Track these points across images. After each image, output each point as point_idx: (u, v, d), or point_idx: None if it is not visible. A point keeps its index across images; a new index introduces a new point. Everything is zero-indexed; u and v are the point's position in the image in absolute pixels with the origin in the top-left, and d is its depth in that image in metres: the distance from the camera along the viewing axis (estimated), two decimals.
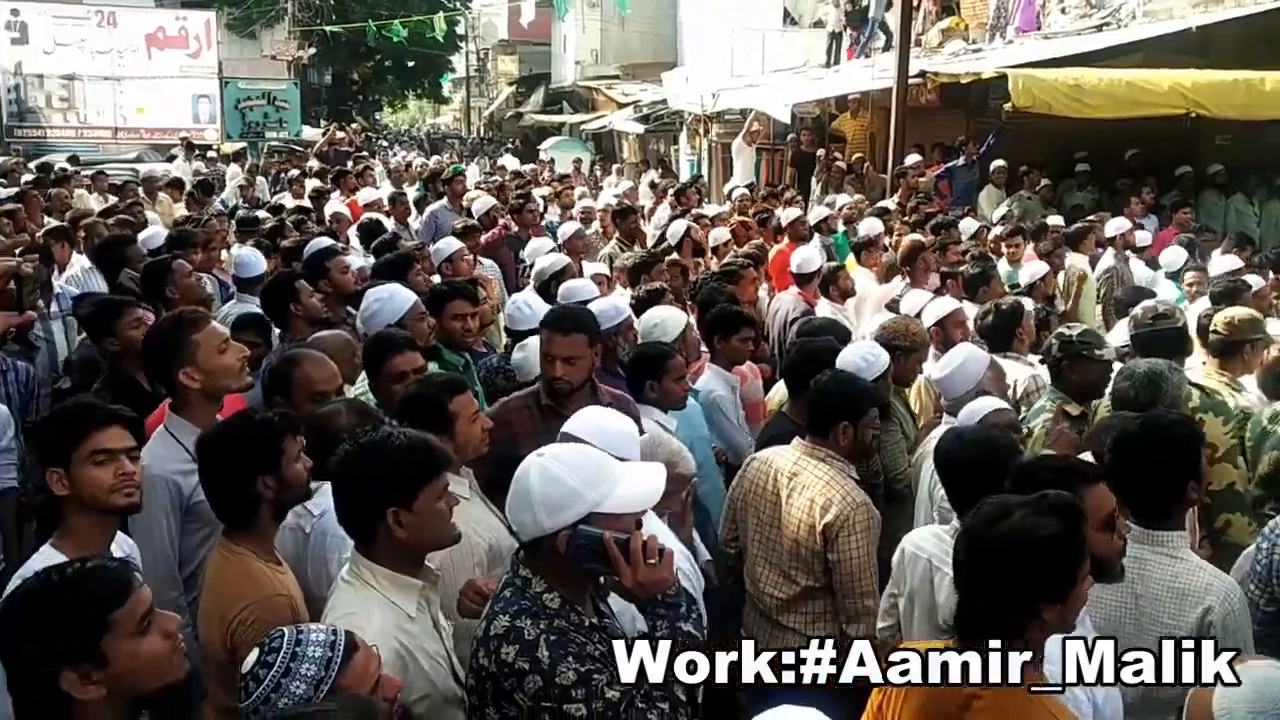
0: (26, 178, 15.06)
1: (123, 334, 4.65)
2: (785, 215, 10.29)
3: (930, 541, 3.54)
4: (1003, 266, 8.35)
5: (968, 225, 9.36)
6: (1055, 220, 10.11)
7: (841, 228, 10.55)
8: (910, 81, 13.32)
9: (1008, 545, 2.30)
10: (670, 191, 13.25)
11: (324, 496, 3.26)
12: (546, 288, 6.65)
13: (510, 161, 22.73)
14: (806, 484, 3.95)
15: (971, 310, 6.41)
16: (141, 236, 7.68)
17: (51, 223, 10.09)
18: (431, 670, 2.75)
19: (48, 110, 27.52)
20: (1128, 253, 9.07)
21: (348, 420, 3.45)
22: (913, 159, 13.61)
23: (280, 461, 3.08)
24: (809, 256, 7.71)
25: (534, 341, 5.12)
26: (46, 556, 2.99)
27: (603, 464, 2.56)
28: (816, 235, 9.94)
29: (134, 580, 2.23)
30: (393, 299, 5.12)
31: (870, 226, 9.40)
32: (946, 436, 3.68)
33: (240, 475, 3.05)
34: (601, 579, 2.56)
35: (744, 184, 15.37)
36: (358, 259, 6.89)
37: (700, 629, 2.58)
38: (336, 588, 2.86)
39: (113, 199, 12.97)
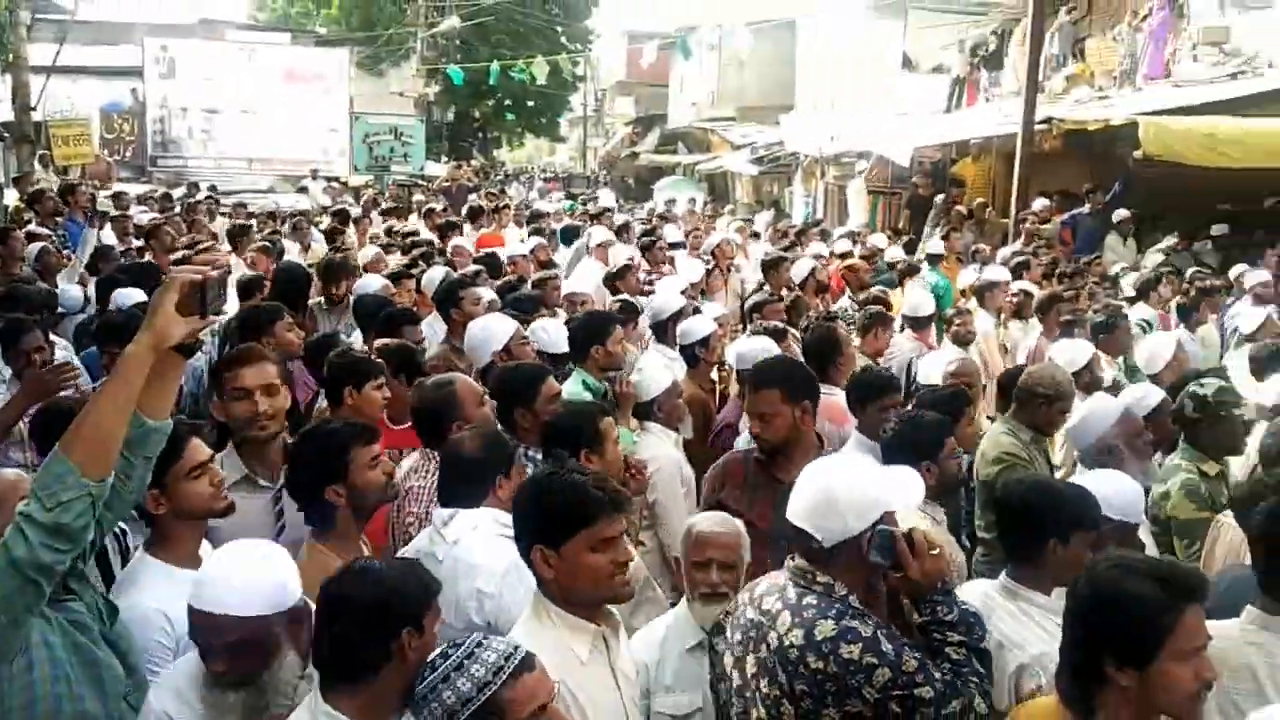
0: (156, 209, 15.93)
1: (279, 336, 5.15)
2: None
3: (971, 595, 3.24)
4: None
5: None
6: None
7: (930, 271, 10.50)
8: (1036, 127, 13.16)
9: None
10: (789, 232, 13.27)
11: (458, 524, 3.38)
12: (664, 327, 6.68)
13: (607, 198, 22.86)
14: None
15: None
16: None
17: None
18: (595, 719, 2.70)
19: (189, 141, 28.83)
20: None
21: (470, 445, 3.56)
22: (1039, 205, 13.40)
23: (349, 470, 3.29)
24: (921, 300, 7.67)
25: (650, 361, 5.29)
26: (145, 563, 3.11)
27: (882, 468, 2.85)
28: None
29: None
30: (487, 329, 5.31)
31: (996, 273, 9.30)
32: (1009, 480, 3.60)
33: (312, 483, 3.30)
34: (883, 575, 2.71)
35: (860, 227, 15.37)
36: (487, 292, 7.04)
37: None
38: (519, 622, 2.84)
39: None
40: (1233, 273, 9.88)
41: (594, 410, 3.96)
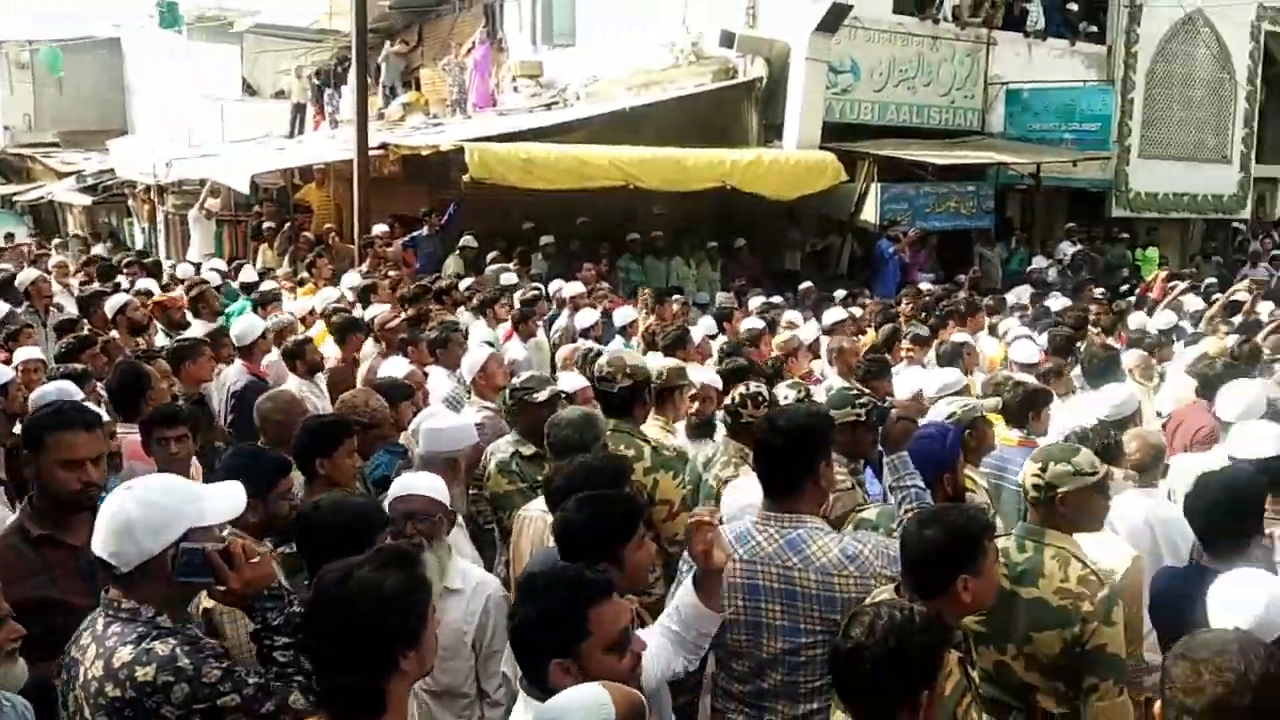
0: None
1: None
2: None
3: None
4: None
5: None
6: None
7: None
8: (372, 153, 13.38)
9: None
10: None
11: None
12: None
13: None
14: None
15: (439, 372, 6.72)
16: None
17: None
18: None
19: None
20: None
21: None
22: (380, 229, 13.58)
23: None
24: (249, 327, 7.35)
25: None
26: None
27: (188, 485, 2.81)
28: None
29: None
30: None
31: (331, 296, 9.23)
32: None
33: None
34: (204, 590, 2.76)
35: (203, 257, 14.57)
36: None
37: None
38: None
39: None
40: (553, 286, 10.76)
41: None
